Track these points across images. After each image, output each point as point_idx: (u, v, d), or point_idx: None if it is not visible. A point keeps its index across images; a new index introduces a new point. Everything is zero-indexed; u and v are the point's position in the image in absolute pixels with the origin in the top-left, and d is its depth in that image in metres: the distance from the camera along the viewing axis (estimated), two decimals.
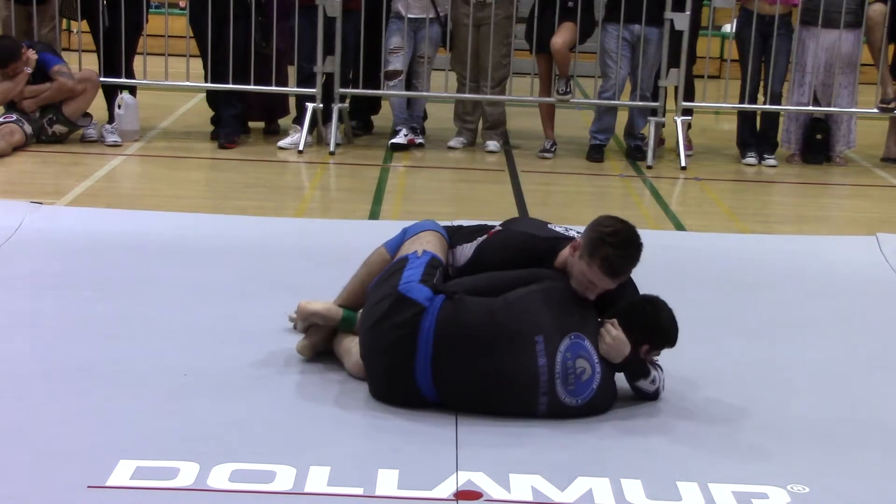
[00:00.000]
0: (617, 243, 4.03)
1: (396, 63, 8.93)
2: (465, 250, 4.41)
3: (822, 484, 3.62)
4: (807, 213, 7.82)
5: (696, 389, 4.35)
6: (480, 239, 4.45)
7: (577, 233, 4.30)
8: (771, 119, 9.18)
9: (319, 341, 4.47)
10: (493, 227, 4.56)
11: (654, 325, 4.10)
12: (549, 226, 4.49)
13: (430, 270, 4.11)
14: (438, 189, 8.08)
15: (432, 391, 3.98)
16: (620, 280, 4.11)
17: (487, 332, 3.93)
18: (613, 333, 4.02)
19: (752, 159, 9.01)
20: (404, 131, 9.02)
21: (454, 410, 3.97)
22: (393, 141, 9.01)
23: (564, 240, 4.28)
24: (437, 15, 8.92)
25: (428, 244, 4.26)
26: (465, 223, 4.72)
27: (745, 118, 9.17)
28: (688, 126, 9.28)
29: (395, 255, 4.32)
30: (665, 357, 4.22)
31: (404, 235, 4.41)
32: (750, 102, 9.03)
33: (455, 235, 4.47)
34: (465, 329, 3.93)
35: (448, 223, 4.68)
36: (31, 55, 8.39)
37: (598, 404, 4.01)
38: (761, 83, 9.02)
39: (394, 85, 9.01)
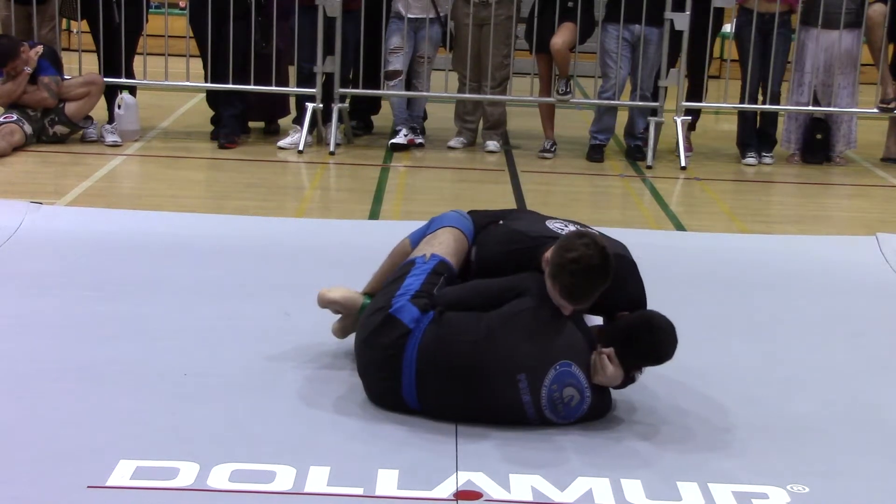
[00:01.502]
0: (577, 271, 3.81)
1: (396, 63, 8.93)
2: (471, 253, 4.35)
3: (822, 484, 3.62)
4: (807, 213, 7.81)
5: (696, 389, 4.35)
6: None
7: (577, 226, 4.27)
8: (770, 118, 9.18)
9: (350, 325, 4.46)
10: (501, 216, 4.51)
11: (654, 355, 4.00)
12: (547, 221, 4.39)
13: (432, 278, 4.07)
14: (438, 189, 8.07)
15: (420, 408, 3.97)
16: (585, 304, 3.94)
17: (469, 369, 3.86)
18: (609, 371, 3.90)
19: (752, 159, 9.00)
20: (404, 131, 9.02)
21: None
22: (393, 141, 9.01)
23: (551, 238, 4.14)
24: (438, 15, 8.92)
25: (440, 245, 4.20)
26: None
27: (745, 118, 9.16)
28: (692, 128, 9.28)
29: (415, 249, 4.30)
30: None
31: (429, 227, 4.37)
32: (750, 102, 9.03)
33: (480, 233, 4.36)
34: (447, 360, 3.89)
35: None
36: (33, 54, 8.37)
37: (592, 419, 3.98)
38: (761, 83, 9.02)
39: (394, 85, 9.01)
